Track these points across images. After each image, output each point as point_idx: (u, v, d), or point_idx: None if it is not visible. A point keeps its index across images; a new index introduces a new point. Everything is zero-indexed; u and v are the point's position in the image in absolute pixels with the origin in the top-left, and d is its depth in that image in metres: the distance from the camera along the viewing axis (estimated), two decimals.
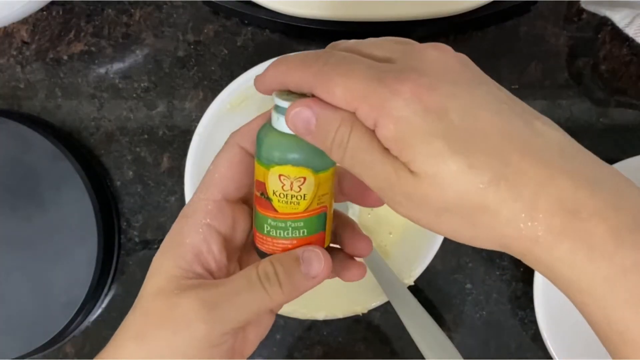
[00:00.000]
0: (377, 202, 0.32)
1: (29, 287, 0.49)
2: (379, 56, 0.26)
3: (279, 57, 0.28)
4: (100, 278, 0.50)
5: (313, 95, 0.27)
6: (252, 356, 0.51)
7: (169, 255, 0.30)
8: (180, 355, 0.28)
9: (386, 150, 0.25)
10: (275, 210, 0.29)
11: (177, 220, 0.31)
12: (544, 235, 0.23)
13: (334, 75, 0.25)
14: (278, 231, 0.30)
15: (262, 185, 0.29)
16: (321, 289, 0.48)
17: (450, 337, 0.45)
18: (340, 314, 0.47)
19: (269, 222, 0.30)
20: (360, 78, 0.25)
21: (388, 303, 0.46)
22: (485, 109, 0.24)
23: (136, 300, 0.30)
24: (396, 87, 0.24)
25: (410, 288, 0.47)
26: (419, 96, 0.24)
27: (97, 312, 0.53)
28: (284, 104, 0.27)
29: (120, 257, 0.52)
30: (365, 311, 0.47)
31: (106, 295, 0.52)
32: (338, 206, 0.33)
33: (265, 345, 0.51)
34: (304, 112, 0.26)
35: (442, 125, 0.24)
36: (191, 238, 0.30)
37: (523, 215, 0.23)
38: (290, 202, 0.29)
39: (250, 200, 0.31)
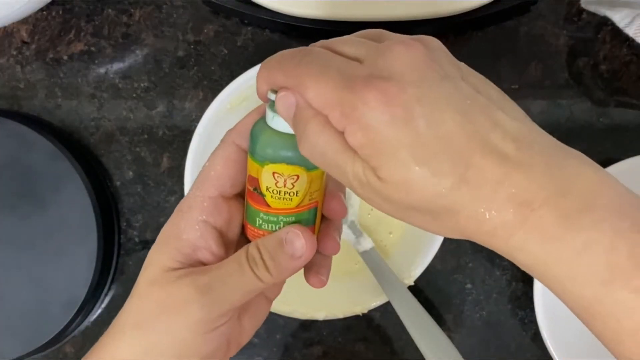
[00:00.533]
0: (335, 214, 0.33)
1: (29, 287, 0.49)
2: (349, 54, 0.27)
3: (266, 59, 0.29)
4: (100, 278, 0.50)
5: None
6: (252, 356, 0.51)
7: (165, 249, 0.31)
8: (178, 341, 0.29)
9: (356, 151, 0.26)
10: (268, 205, 0.30)
11: (173, 214, 0.32)
12: (500, 228, 0.25)
13: (305, 78, 0.26)
14: (270, 225, 0.30)
15: (255, 181, 0.29)
16: (321, 289, 0.48)
17: (450, 337, 0.45)
18: (340, 314, 0.47)
19: (261, 216, 0.30)
20: (330, 84, 0.26)
21: (388, 303, 0.46)
22: (449, 109, 0.25)
23: (132, 291, 0.31)
24: (363, 94, 0.25)
25: (410, 288, 0.47)
26: (385, 103, 0.25)
27: (97, 312, 0.53)
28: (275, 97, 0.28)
29: (120, 257, 0.53)
30: (365, 311, 0.47)
31: (106, 295, 0.52)
32: None
33: (265, 345, 0.51)
34: (288, 97, 0.27)
35: (408, 134, 0.25)
36: (188, 234, 0.31)
37: (482, 210, 0.25)
38: (283, 198, 0.30)
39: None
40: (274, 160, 0.29)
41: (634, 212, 0.25)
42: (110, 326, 0.31)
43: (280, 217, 0.30)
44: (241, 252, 0.30)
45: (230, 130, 0.32)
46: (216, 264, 0.31)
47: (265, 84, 0.28)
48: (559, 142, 0.27)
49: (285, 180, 0.29)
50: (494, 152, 0.25)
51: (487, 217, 0.25)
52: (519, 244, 0.25)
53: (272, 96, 0.28)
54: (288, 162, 0.28)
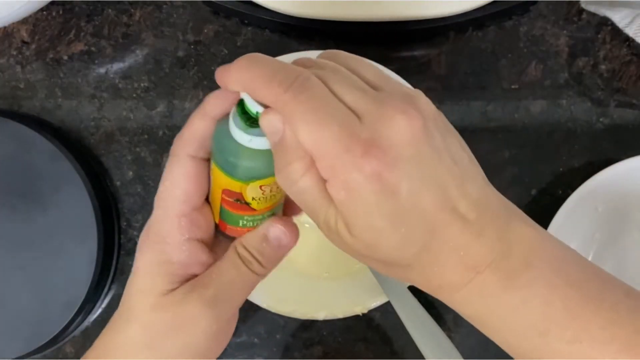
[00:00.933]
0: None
1: (29, 287, 0.49)
2: (348, 102, 0.26)
3: (248, 54, 0.27)
4: (100, 278, 0.50)
5: None
6: (252, 356, 0.51)
7: (157, 275, 0.31)
8: (194, 352, 0.31)
9: (332, 200, 0.27)
10: (254, 210, 0.30)
11: (152, 239, 0.31)
12: (447, 286, 0.28)
13: (300, 117, 0.26)
14: (254, 222, 0.31)
15: (237, 195, 0.29)
16: (321, 289, 0.48)
17: (450, 337, 0.45)
18: (340, 314, 0.47)
19: (245, 218, 0.31)
20: (327, 134, 0.25)
21: (388, 303, 0.46)
22: (431, 185, 0.26)
23: (127, 315, 0.31)
24: (360, 160, 0.25)
25: (410, 288, 0.47)
26: (378, 175, 0.25)
27: (97, 312, 0.53)
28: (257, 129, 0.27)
29: (120, 257, 0.52)
30: (365, 311, 0.47)
31: (106, 295, 0.52)
32: None
33: (265, 345, 0.51)
34: (277, 123, 0.26)
35: (390, 204, 0.26)
36: (178, 257, 0.31)
37: (435, 269, 0.27)
38: (269, 200, 0.30)
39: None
40: (260, 177, 0.28)
41: (568, 268, 0.27)
42: (112, 349, 0.31)
43: (266, 214, 0.31)
44: (233, 256, 0.31)
45: (179, 142, 0.30)
46: (214, 272, 0.31)
47: (240, 86, 0.27)
48: (507, 203, 0.29)
49: (271, 188, 0.29)
50: (458, 220, 0.27)
51: (438, 276, 0.27)
52: (462, 300, 0.28)
53: (252, 107, 0.27)
54: (274, 174, 0.28)
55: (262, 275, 0.32)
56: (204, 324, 0.30)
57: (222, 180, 0.29)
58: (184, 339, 0.30)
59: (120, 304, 0.32)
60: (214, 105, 0.29)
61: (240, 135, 0.27)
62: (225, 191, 0.29)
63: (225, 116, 0.28)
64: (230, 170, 0.28)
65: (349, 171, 0.25)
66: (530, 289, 0.27)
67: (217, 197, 0.30)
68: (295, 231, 0.32)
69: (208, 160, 0.30)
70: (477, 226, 0.27)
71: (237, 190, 0.29)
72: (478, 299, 0.27)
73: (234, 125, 0.27)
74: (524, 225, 0.28)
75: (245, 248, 0.31)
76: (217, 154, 0.29)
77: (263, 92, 0.26)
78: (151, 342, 0.30)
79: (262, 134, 0.27)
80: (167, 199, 0.31)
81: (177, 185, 0.30)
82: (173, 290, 0.30)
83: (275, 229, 0.31)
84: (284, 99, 0.26)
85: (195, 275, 0.31)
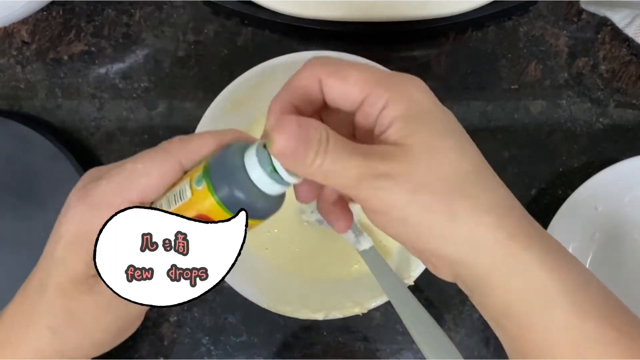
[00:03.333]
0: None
1: None
2: None
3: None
4: None
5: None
6: (252, 356, 0.51)
7: (75, 249, 0.30)
8: (91, 341, 0.31)
9: (358, 148, 0.27)
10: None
11: (81, 208, 0.30)
12: (488, 250, 0.27)
13: (349, 66, 0.28)
14: None
15: (205, 217, 0.28)
16: (321, 289, 0.49)
17: (450, 337, 0.45)
18: (340, 314, 0.47)
19: None
20: (373, 71, 0.28)
21: (388, 303, 0.46)
22: (456, 131, 0.29)
23: (42, 289, 0.32)
24: (404, 79, 0.28)
25: (410, 288, 0.47)
26: (423, 86, 0.28)
27: None
28: (285, 175, 0.27)
29: None
30: (365, 311, 0.47)
31: None
32: None
33: (265, 345, 0.51)
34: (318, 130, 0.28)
35: (446, 117, 0.28)
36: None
37: (473, 219, 0.27)
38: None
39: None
40: (257, 218, 0.28)
41: (580, 265, 0.29)
42: (22, 315, 0.33)
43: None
44: None
45: (176, 146, 0.30)
46: None
47: (312, 75, 0.29)
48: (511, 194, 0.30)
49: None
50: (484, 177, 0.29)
51: (479, 232, 0.27)
52: (506, 272, 0.27)
53: (277, 165, 0.26)
54: (257, 218, 0.28)
55: None
56: (104, 324, 0.31)
57: (206, 207, 0.28)
58: (83, 330, 0.31)
59: (39, 267, 0.33)
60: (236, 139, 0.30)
61: (261, 177, 0.27)
62: (201, 215, 0.28)
63: (233, 145, 0.28)
64: (229, 205, 0.27)
65: (403, 84, 0.28)
66: (569, 271, 0.27)
67: (181, 210, 0.29)
68: None
69: (185, 172, 0.30)
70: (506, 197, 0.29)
71: (213, 217, 0.28)
72: (521, 273, 0.27)
73: (256, 165, 0.27)
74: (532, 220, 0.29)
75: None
76: (219, 184, 0.27)
77: (320, 70, 0.29)
78: (53, 327, 0.31)
79: (281, 181, 0.27)
80: (126, 179, 0.30)
81: (148, 173, 0.30)
82: (83, 278, 0.30)
83: None
84: (333, 64, 0.28)
85: None
